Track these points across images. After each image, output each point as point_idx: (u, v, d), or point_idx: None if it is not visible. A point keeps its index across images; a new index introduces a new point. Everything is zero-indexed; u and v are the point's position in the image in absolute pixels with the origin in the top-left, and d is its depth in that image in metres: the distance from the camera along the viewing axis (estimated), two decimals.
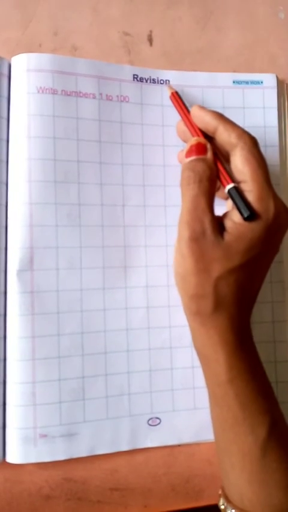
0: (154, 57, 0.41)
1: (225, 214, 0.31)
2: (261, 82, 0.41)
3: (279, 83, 0.41)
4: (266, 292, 0.39)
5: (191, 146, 0.32)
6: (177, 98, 0.36)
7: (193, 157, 0.31)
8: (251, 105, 0.40)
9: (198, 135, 0.33)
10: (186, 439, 0.37)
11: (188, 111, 0.34)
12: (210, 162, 0.31)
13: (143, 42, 0.41)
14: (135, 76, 0.39)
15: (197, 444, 0.38)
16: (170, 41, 0.41)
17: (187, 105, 0.36)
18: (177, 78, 0.39)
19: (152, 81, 0.39)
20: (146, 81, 0.39)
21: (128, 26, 0.41)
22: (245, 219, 0.29)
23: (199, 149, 0.31)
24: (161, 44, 0.41)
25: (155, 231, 0.38)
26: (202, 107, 0.32)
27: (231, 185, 0.30)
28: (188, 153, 0.32)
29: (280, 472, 0.29)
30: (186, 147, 0.32)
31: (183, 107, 0.35)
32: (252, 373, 0.30)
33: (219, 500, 0.31)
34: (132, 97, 0.38)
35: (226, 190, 0.30)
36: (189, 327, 0.32)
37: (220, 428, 0.31)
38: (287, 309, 0.40)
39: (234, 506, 0.30)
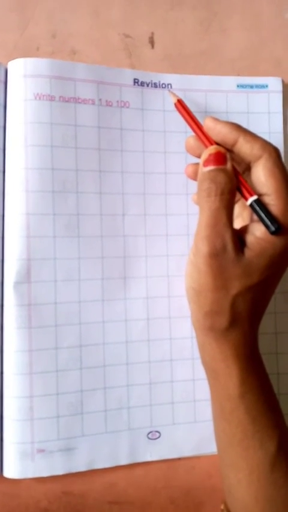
0: (156, 60, 0.40)
1: (244, 229, 0.29)
2: (266, 86, 0.39)
3: (285, 87, 0.40)
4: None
5: (210, 155, 0.30)
6: (184, 106, 0.33)
7: (212, 167, 0.29)
8: (255, 110, 0.39)
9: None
10: (186, 452, 0.37)
11: (198, 121, 0.32)
12: (230, 173, 0.29)
13: (145, 45, 0.40)
14: (136, 80, 0.38)
15: (197, 457, 0.37)
16: (172, 44, 0.40)
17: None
18: (180, 82, 0.38)
19: (153, 85, 0.38)
20: (147, 86, 0.38)
21: (129, 28, 0.39)
22: (272, 233, 0.28)
23: (219, 159, 0.29)
24: (163, 46, 0.40)
25: (156, 240, 0.37)
26: (215, 119, 0.30)
27: (254, 197, 0.29)
28: (206, 162, 0.29)
29: (287, 487, 0.28)
30: (203, 155, 0.30)
31: (193, 116, 0.33)
32: (262, 387, 0.30)
33: None
34: (132, 102, 0.37)
35: (249, 202, 0.29)
36: (197, 340, 0.31)
37: (227, 443, 0.30)
38: None
39: None
